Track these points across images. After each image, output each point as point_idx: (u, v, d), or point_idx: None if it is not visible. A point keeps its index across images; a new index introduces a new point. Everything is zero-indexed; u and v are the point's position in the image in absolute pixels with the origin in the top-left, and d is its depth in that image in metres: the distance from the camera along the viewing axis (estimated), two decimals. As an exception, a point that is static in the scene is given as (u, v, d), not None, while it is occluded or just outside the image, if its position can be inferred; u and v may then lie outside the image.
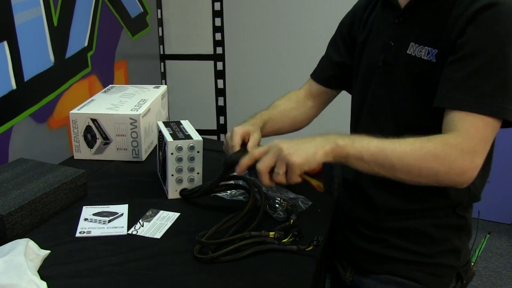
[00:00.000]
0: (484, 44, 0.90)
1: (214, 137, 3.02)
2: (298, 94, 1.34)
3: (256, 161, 0.95)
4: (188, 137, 1.24)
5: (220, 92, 2.95)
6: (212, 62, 2.91)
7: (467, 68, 0.91)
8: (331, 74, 1.30)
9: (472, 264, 1.16)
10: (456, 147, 0.89)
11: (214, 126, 3.02)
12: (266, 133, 1.23)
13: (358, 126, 1.17)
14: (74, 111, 1.47)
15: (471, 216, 1.14)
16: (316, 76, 1.33)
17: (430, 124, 1.00)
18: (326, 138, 0.92)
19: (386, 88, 1.08)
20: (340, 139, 0.91)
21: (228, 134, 1.14)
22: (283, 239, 1.05)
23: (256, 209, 1.15)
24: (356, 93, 1.22)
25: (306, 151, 0.90)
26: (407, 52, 1.03)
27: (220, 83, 2.93)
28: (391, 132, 1.06)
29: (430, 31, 1.00)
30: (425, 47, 1.00)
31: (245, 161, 0.97)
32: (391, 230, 1.11)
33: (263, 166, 0.93)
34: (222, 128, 3.01)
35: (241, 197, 1.26)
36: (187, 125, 1.34)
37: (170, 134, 1.25)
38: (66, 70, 1.95)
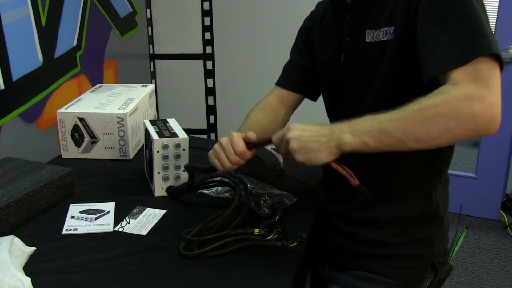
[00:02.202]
0: (449, 3, 0.90)
1: (204, 136, 3.03)
2: (272, 104, 1.32)
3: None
4: (174, 135, 1.25)
5: (210, 91, 2.96)
6: (201, 62, 2.92)
7: (444, 29, 0.90)
8: (297, 79, 1.30)
9: (450, 258, 1.18)
10: (457, 96, 0.84)
11: (204, 125, 3.03)
12: None
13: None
14: (62, 110, 1.47)
15: (444, 206, 1.14)
16: (283, 82, 1.33)
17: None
18: (330, 135, 0.92)
19: (357, 82, 1.09)
20: (343, 135, 0.91)
21: (225, 140, 1.06)
22: (267, 236, 1.06)
23: (241, 206, 1.16)
24: (326, 97, 1.23)
25: (308, 151, 0.93)
26: (366, 41, 1.04)
27: (209, 82, 2.94)
28: None
29: (382, 13, 1.01)
30: (382, 29, 1.01)
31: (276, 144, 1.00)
32: (361, 221, 1.13)
33: (283, 151, 0.97)
34: (212, 127, 3.03)
35: (226, 194, 1.27)
36: (173, 123, 1.35)
37: (156, 132, 1.26)
38: (55, 70, 1.95)
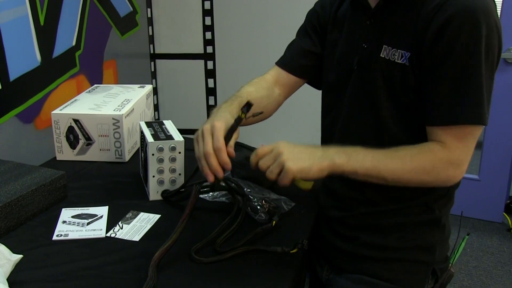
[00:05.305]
0: (459, 60, 0.93)
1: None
2: (267, 81, 1.27)
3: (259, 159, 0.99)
4: (170, 137, 1.22)
5: (211, 92, 2.94)
6: (202, 61, 2.89)
7: (446, 84, 0.95)
8: (303, 63, 1.25)
9: (450, 265, 1.16)
10: (443, 159, 0.97)
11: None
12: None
13: (336, 126, 1.16)
14: (56, 111, 1.45)
15: (446, 211, 1.13)
16: (286, 65, 1.27)
17: (409, 124, 1.02)
18: (325, 153, 0.97)
19: (364, 91, 1.08)
20: (337, 156, 0.97)
21: (207, 127, 0.98)
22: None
23: (238, 211, 1.14)
24: (328, 92, 1.21)
25: (303, 162, 0.95)
26: (381, 55, 1.02)
27: (210, 82, 2.92)
28: (372, 132, 1.06)
29: (402, 33, 0.99)
30: (399, 50, 1.00)
31: (253, 160, 1.00)
32: (362, 227, 1.13)
33: (263, 165, 0.97)
34: (213, 128, 3.00)
35: (223, 199, 1.24)
36: (169, 125, 1.32)
37: (152, 134, 1.23)
38: (53, 69, 1.93)
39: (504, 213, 2.95)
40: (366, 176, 0.98)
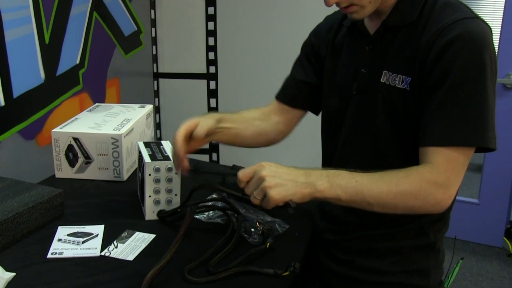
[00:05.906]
0: (456, 80, 0.92)
1: (206, 156, 3.02)
2: (264, 109, 1.33)
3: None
4: (167, 158, 1.24)
5: (213, 111, 2.96)
6: (205, 81, 2.92)
7: (440, 105, 0.94)
8: (294, 93, 1.28)
9: None
10: (430, 181, 0.93)
11: (206, 145, 3.02)
12: (226, 135, 1.23)
13: (335, 151, 1.17)
14: (56, 129, 1.47)
15: (441, 236, 1.13)
16: (279, 95, 1.32)
17: (409, 149, 1.02)
18: (307, 178, 0.94)
19: (363, 116, 1.09)
20: (320, 182, 0.93)
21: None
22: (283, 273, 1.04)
23: (232, 233, 1.14)
24: (328, 119, 1.22)
25: (285, 190, 0.92)
26: (381, 80, 1.03)
27: (212, 102, 2.94)
28: (371, 158, 1.07)
29: (402, 58, 1.00)
30: (399, 75, 1.00)
31: (240, 186, 0.99)
32: (357, 251, 1.13)
33: (248, 191, 0.96)
34: (214, 148, 3.01)
35: (218, 220, 1.25)
36: (167, 146, 1.34)
37: (149, 154, 1.25)
38: (56, 87, 1.96)
39: (504, 238, 2.93)
40: (350, 201, 0.94)
